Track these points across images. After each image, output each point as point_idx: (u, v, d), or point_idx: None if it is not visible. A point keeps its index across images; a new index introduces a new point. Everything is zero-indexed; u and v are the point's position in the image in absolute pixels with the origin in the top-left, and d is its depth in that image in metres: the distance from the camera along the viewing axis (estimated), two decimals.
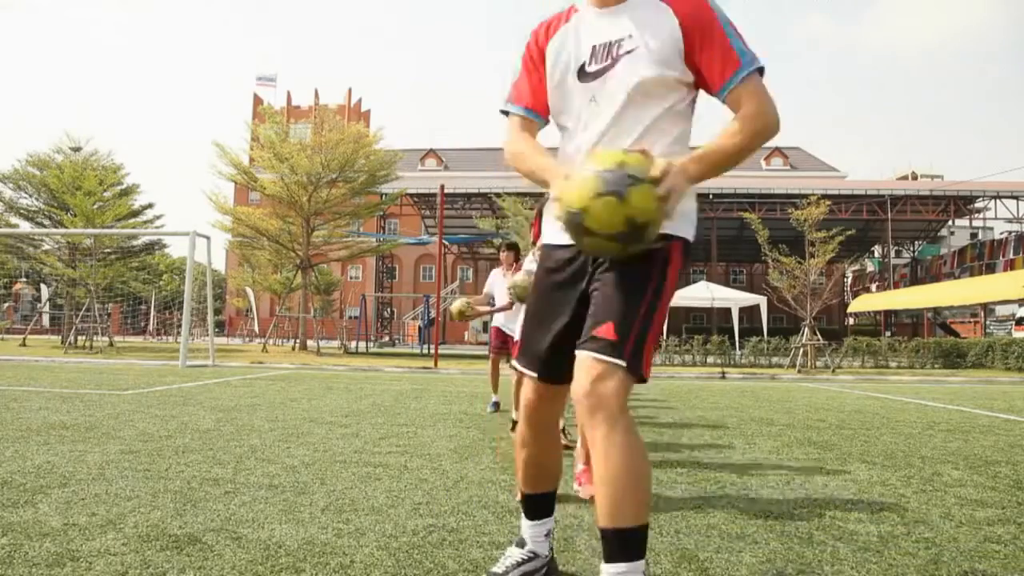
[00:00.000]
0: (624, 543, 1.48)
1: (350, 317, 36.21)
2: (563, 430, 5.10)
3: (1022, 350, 15.91)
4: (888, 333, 32.26)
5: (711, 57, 1.61)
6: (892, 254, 37.15)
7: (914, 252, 40.41)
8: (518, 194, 23.74)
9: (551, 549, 1.92)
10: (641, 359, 1.57)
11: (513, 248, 5.81)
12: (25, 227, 22.98)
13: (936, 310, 32.74)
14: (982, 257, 32.78)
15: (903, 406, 7.37)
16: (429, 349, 22.34)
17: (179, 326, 18.85)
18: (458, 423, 5.17)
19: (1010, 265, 29.77)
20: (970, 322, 33.95)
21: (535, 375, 1.79)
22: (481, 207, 32.37)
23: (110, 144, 79.59)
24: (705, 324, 32.60)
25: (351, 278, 46.40)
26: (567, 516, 2.56)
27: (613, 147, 1.61)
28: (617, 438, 1.49)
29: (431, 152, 51.36)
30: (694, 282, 28.09)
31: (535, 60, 1.79)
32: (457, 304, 5.52)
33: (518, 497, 2.00)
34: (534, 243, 3.91)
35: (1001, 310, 34.82)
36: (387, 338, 34.55)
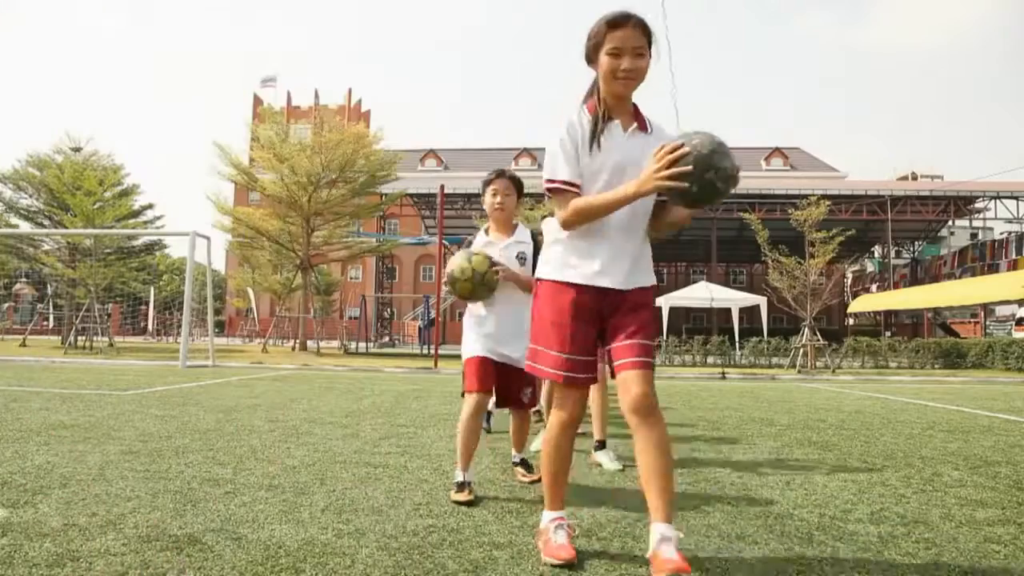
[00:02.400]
0: None
1: (350, 317, 36.20)
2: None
3: (1022, 350, 15.91)
4: (888, 333, 32.24)
5: None
6: (892, 254, 37.12)
7: (914, 252, 40.39)
8: None
9: None
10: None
11: (515, 180, 3.15)
12: (25, 227, 22.98)
13: (936, 310, 32.71)
14: (983, 257, 32.72)
15: (903, 406, 7.37)
16: (429, 349, 22.34)
17: (179, 326, 18.86)
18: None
19: (1013, 265, 29.72)
20: (970, 322, 33.92)
21: None
22: (481, 207, 32.40)
23: (110, 144, 79.67)
24: (705, 324, 32.58)
25: (351, 278, 46.39)
26: (568, 517, 2.55)
27: None
28: None
29: (431, 152, 51.34)
30: (694, 282, 28.11)
31: None
32: (469, 258, 2.96)
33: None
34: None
35: (1001, 310, 34.79)
36: (387, 338, 34.53)
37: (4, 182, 22.75)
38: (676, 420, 5.75)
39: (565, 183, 2.03)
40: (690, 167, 1.83)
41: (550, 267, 2.14)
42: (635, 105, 2.14)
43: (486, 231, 3.14)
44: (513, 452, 3.33)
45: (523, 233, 3.13)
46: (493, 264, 2.91)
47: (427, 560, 2.03)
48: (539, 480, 2.86)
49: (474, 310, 3.08)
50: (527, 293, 2.98)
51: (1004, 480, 3.42)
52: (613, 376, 2.08)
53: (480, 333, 3.02)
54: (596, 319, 2.11)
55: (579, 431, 5.34)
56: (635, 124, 2.10)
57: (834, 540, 2.33)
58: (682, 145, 1.85)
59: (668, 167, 1.85)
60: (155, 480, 2.97)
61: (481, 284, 2.87)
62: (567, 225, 2.06)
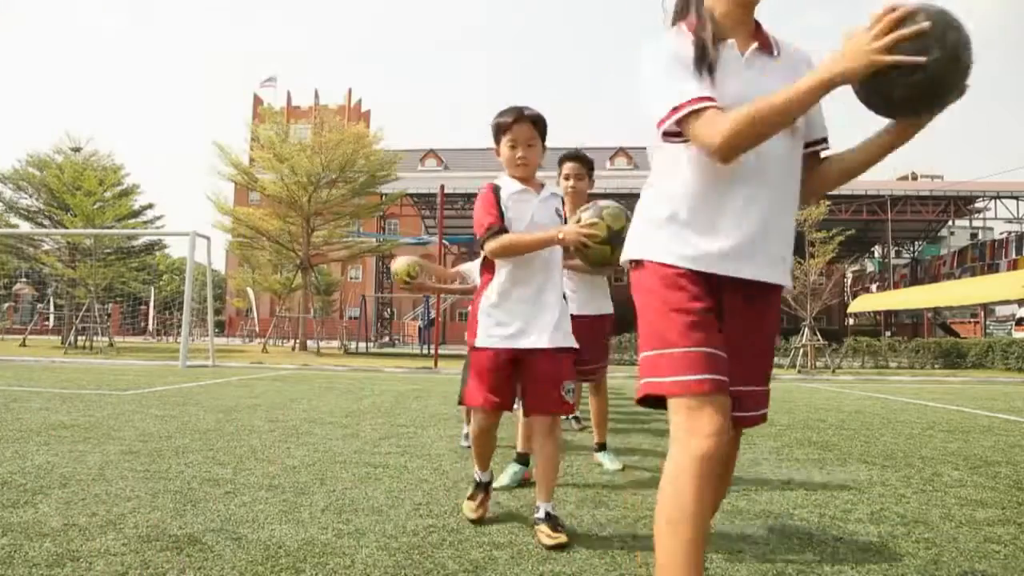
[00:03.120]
0: None
1: (350, 317, 36.21)
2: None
3: (1022, 350, 15.91)
4: (888, 333, 32.26)
5: None
6: (892, 254, 37.13)
7: (914, 252, 40.40)
8: None
9: None
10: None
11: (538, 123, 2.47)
12: (25, 227, 22.99)
13: (936, 310, 32.71)
14: (983, 257, 32.73)
15: (903, 406, 7.37)
16: (429, 349, 22.34)
17: (179, 326, 18.87)
18: (458, 423, 5.16)
19: (1013, 265, 29.73)
20: (970, 322, 33.92)
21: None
22: None
23: (110, 144, 79.81)
24: None
25: (351, 278, 46.39)
26: (568, 516, 2.55)
27: None
28: None
29: (431, 152, 51.34)
30: None
31: None
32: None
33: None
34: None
35: (1001, 310, 34.81)
36: (387, 338, 34.54)
37: (4, 182, 22.78)
38: None
39: (700, 99, 1.37)
40: (927, 25, 1.20)
41: (655, 242, 1.47)
42: (757, 22, 1.54)
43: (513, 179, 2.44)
44: (538, 502, 2.33)
45: (553, 186, 2.56)
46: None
47: (427, 560, 2.03)
48: (566, 543, 2.19)
49: (499, 288, 2.37)
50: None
51: (1004, 480, 3.42)
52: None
53: (503, 318, 2.33)
54: (716, 320, 1.44)
55: (580, 427, 5.17)
56: (755, 44, 1.49)
57: (834, 540, 2.33)
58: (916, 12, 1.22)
59: (888, 32, 1.21)
60: (155, 480, 2.97)
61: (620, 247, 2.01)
62: (726, 150, 1.34)
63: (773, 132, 1.34)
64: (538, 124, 2.38)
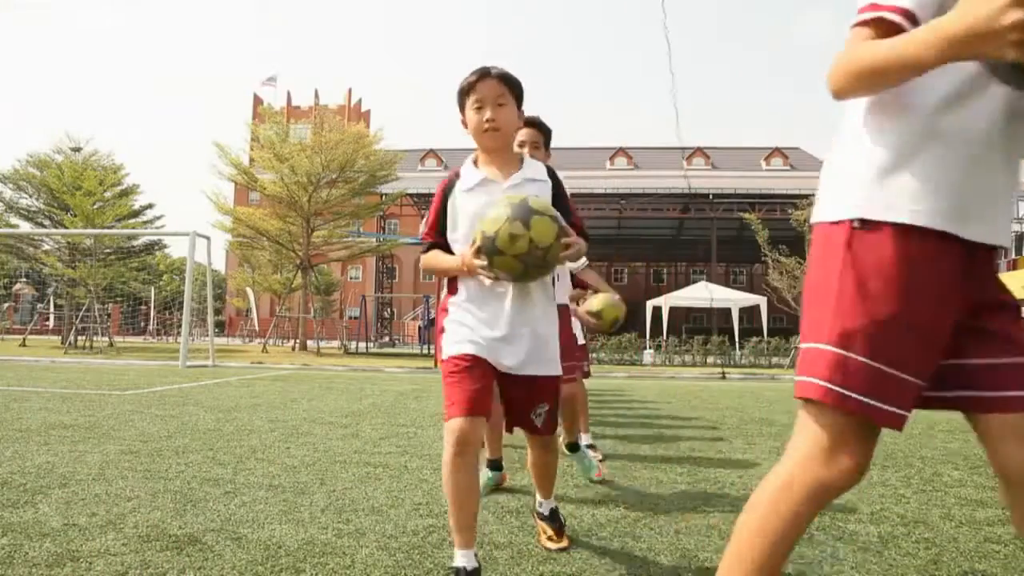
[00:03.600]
0: None
1: (350, 317, 36.21)
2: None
3: None
4: None
5: None
6: None
7: None
8: None
9: None
10: None
11: (509, 81, 1.98)
12: (25, 227, 23.01)
13: None
14: None
15: None
16: (429, 349, 22.34)
17: (179, 326, 18.88)
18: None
19: (1013, 265, 29.71)
20: None
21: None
22: None
23: (110, 144, 79.92)
24: (705, 324, 32.57)
25: (351, 278, 46.42)
26: (568, 516, 2.55)
27: None
28: None
29: (431, 152, 51.36)
30: (694, 282, 28.15)
31: None
32: (527, 221, 1.75)
33: None
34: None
35: None
36: (387, 338, 34.54)
37: (4, 182, 22.82)
38: (676, 420, 5.75)
39: (898, 11, 1.04)
40: None
41: (886, 195, 1.09)
42: None
43: (475, 162, 2.01)
44: (537, 497, 2.29)
45: (534, 168, 2.02)
46: (561, 231, 1.78)
47: (427, 560, 2.03)
48: (568, 547, 2.18)
49: (471, 293, 1.94)
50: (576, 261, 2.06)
51: None
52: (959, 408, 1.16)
53: (476, 328, 1.91)
54: (956, 303, 1.12)
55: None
56: None
57: (834, 540, 2.33)
58: None
59: None
60: (155, 480, 2.97)
61: (539, 265, 1.76)
62: (840, 84, 1.08)
63: (884, 80, 1.04)
64: (508, 82, 1.94)
